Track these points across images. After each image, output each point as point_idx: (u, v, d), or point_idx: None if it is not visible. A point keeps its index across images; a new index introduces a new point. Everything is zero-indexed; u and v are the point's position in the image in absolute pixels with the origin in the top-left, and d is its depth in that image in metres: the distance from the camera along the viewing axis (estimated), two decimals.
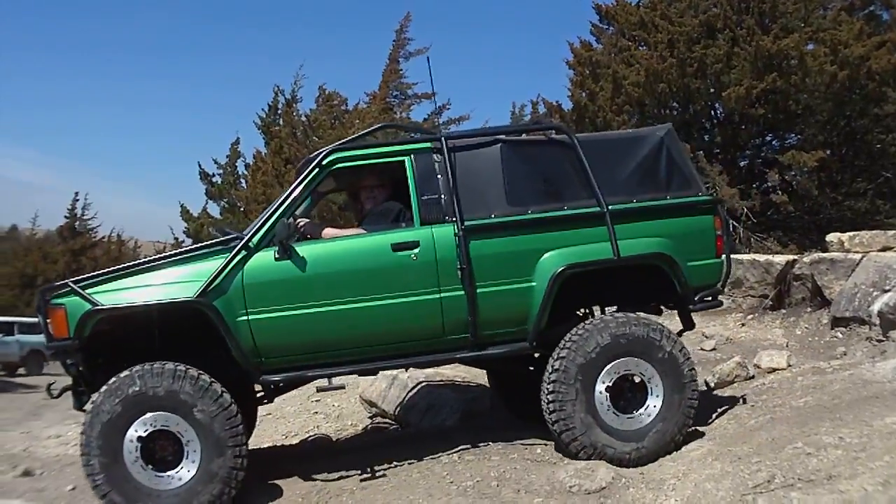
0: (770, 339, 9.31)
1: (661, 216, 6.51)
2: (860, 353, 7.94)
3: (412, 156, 6.38)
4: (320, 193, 7.37)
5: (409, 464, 6.49)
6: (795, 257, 10.65)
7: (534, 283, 6.25)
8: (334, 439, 9.10)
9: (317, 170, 6.32)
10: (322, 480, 6.40)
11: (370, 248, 6.24)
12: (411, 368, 8.11)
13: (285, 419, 10.38)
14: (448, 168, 6.31)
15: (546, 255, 6.26)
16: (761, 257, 11.02)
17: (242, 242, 6.08)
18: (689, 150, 16.26)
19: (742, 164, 18.72)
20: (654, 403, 6.21)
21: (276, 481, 6.48)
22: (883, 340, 7.88)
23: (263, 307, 6.03)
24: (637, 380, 6.26)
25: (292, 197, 6.25)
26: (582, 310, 7.30)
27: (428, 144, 6.45)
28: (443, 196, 6.29)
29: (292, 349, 6.15)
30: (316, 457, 7.41)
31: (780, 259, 10.63)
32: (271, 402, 7.31)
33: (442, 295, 6.18)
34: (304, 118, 24.38)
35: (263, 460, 7.65)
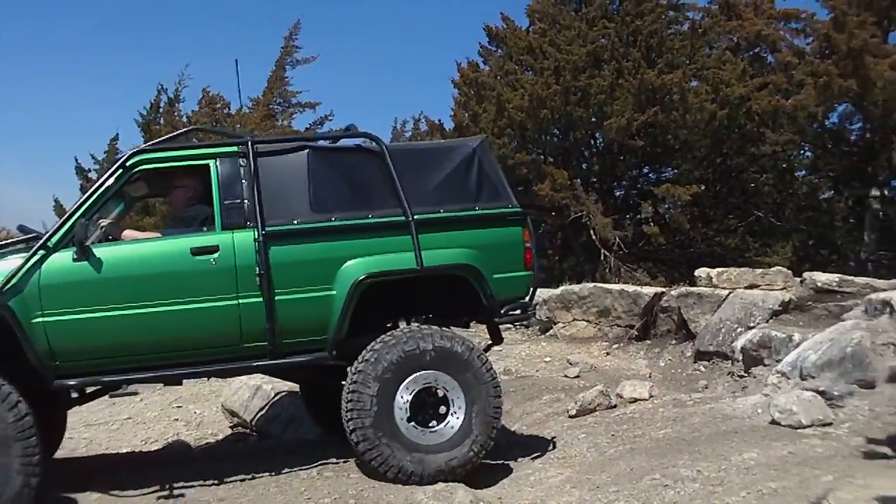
0: (634, 370, 9.34)
1: (468, 226, 6.42)
2: (721, 388, 8.00)
3: (217, 160, 6.21)
4: (133, 198, 7.18)
5: (269, 476, 6.29)
6: (664, 290, 10.74)
7: (334, 292, 6.09)
8: (193, 448, 8.88)
9: (120, 171, 6.08)
10: (178, 491, 6.11)
11: (169, 251, 6.04)
12: (275, 379, 7.85)
13: (145, 424, 10.18)
14: (252, 173, 6.16)
15: (347, 264, 6.11)
16: (630, 288, 11.09)
17: (41, 242, 5.81)
18: (566, 177, 16.46)
19: (618, 194, 19.06)
20: (455, 397, 6.05)
21: (130, 491, 6.15)
22: (744, 376, 7.95)
23: (59, 309, 5.75)
24: (430, 388, 6.10)
25: (93, 197, 6.01)
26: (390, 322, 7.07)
27: (234, 149, 6.29)
28: (246, 201, 6.13)
29: (88, 353, 5.87)
30: (173, 465, 7.11)
31: (649, 291, 10.71)
32: (70, 408, 7.03)
33: (240, 301, 5.99)
34: (185, 118, 23.98)
35: (120, 466, 7.41)
